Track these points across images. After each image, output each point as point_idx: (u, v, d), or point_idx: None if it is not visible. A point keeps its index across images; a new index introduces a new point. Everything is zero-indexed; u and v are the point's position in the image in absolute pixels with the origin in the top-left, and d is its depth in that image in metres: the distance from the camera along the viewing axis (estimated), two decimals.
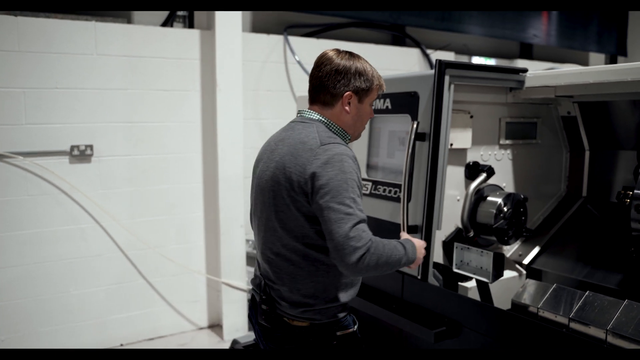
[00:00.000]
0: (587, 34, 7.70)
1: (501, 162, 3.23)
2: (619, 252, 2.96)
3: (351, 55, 1.98)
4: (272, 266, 1.93)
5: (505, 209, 2.95)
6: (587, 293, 2.57)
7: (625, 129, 3.26)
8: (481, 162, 3.07)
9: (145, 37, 4.50)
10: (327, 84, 1.95)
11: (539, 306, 2.62)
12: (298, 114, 2.06)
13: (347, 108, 1.96)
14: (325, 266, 1.88)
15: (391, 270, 1.84)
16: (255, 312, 2.10)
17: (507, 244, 3.00)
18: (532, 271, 3.18)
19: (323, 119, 1.97)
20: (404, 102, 2.92)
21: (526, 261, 3.24)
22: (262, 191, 1.95)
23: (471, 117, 2.97)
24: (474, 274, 2.63)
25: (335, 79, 1.93)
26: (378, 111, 3.15)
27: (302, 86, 5.26)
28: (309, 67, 5.71)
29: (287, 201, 1.84)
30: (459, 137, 2.86)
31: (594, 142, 3.32)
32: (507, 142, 3.12)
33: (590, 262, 3.07)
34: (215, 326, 5.06)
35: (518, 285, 3.09)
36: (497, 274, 2.55)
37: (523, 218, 3.05)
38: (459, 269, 2.71)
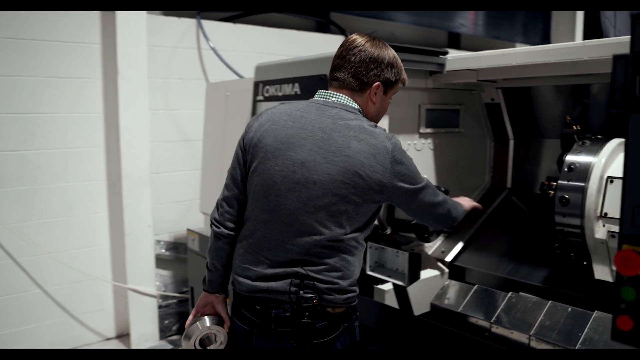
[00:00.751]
0: (514, 24, 7.67)
1: (421, 152, 2.99)
2: (543, 247, 2.79)
3: (384, 44, 1.94)
4: (322, 260, 1.85)
5: None
6: (509, 295, 2.36)
7: (549, 117, 3.13)
8: None
9: (38, 17, 4.00)
10: (359, 71, 1.89)
11: (459, 310, 2.39)
12: (326, 96, 1.95)
13: (373, 98, 1.93)
14: (363, 254, 1.99)
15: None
16: (268, 321, 1.90)
17: (428, 240, 2.75)
18: (454, 269, 2.96)
19: (359, 109, 1.94)
20: (313, 86, 2.61)
21: (449, 258, 3.02)
22: (312, 189, 1.83)
23: None
24: (389, 276, 2.37)
25: (369, 67, 1.88)
26: (288, 97, 2.84)
27: (217, 74, 4.88)
28: (225, 54, 5.39)
29: (363, 199, 1.82)
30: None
31: (518, 130, 3.25)
32: (428, 130, 2.89)
33: (515, 258, 2.89)
34: (124, 336, 4.63)
35: (440, 285, 2.86)
36: (413, 276, 2.29)
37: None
38: (373, 271, 2.44)
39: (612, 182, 2.07)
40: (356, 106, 1.91)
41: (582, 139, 2.25)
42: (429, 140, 3.03)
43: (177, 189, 4.89)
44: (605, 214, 2.06)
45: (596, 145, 2.19)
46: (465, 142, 3.18)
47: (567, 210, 2.15)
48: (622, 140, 2.22)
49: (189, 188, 4.92)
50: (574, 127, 2.30)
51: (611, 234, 2.06)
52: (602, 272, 2.17)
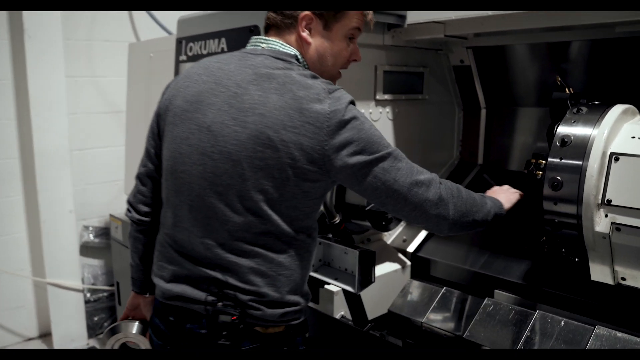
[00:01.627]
0: None
1: (378, 123, 2.52)
2: (524, 235, 2.35)
3: None
4: (243, 261, 1.42)
5: None
6: (485, 301, 1.90)
7: (526, 82, 2.71)
8: None
9: None
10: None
11: (423, 320, 1.92)
12: (256, 43, 1.52)
13: (306, 37, 1.47)
14: (308, 253, 1.51)
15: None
16: (178, 335, 1.48)
17: (386, 229, 2.28)
18: (418, 261, 2.52)
19: (297, 55, 1.48)
20: (243, 40, 2.07)
21: (411, 248, 2.57)
22: (219, 160, 1.38)
23: None
24: (336, 279, 1.89)
25: None
26: (213, 55, 2.29)
27: (151, 35, 4.26)
28: (159, 15, 4.86)
29: (286, 174, 1.36)
30: None
31: (491, 98, 2.87)
32: (386, 97, 2.43)
33: (489, 247, 2.47)
34: (48, 335, 4.07)
35: (401, 281, 2.40)
36: (365, 279, 1.81)
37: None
38: (316, 272, 1.95)
39: (617, 160, 1.61)
40: (292, 52, 1.47)
41: (576, 106, 1.78)
42: (387, 109, 2.54)
43: (106, 167, 4.31)
44: (609, 201, 1.61)
45: (595, 113, 1.72)
46: (430, 111, 2.76)
47: (560, 196, 1.69)
48: (628, 106, 1.76)
49: (121, 166, 4.33)
50: (567, 90, 1.83)
51: (616, 226, 1.61)
52: (602, 274, 1.73)
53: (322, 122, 1.30)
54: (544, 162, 1.75)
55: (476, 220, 1.58)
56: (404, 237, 2.68)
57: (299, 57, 1.45)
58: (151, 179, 1.59)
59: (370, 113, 2.48)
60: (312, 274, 1.97)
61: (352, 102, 1.37)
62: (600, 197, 1.63)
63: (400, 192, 1.40)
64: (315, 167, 1.34)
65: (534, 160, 1.78)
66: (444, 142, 2.92)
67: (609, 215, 1.63)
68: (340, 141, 1.32)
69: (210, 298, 1.39)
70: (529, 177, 1.79)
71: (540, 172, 1.75)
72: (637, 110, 1.82)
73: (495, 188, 1.86)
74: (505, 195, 1.81)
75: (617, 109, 1.72)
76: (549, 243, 1.82)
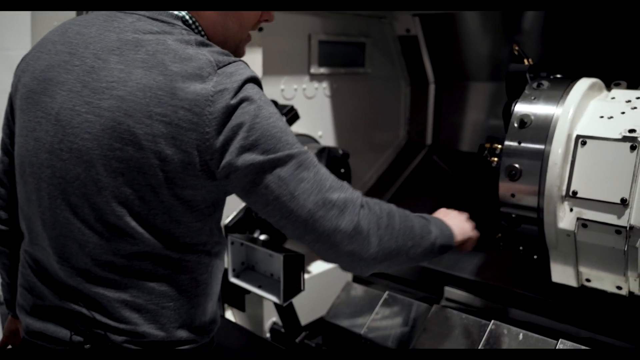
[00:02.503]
0: None
1: (314, 100, 2.23)
2: (474, 224, 2.13)
3: None
4: (112, 294, 1.07)
5: None
6: (433, 308, 1.65)
7: (478, 53, 2.49)
8: (281, 101, 2.01)
9: None
10: None
11: (362, 332, 1.66)
12: None
13: None
14: (208, 274, 1.16)
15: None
16: None
17: None
18: None
19: (185, 17, 1.09)
20: None
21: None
22: (69, 161, 1.03)
23: (260, 29, 1.86)
24: (259, 286, 1.59)
25: None
26: None
27: None
28: None
29: (156, 180, 1.00)
30: None
31: (440, 71, 2.65)
32: (322, 71, 2.14)
33: None
34: None
35: (342, 279, 2.14)
36: (293, 288, 1.53)
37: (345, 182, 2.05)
38: (237, 277, 1.65)
39: (584, 144, 1.36)
40: (180, 13, 1.09)
41: (536, 80, 1.51)
42: (324, 84, 2.25)
43: None
44: (574, 193, 1.36)
45: (558, 88, 1.47)
46: (373, 87, 2.56)
47: (518, 186, 1.43)
48: (595, 80, 1.51)
49: None
50: (525, 61, 1.56)
51: (582, 222, 1.36)
52: (564, 275, 1.50)
53: (203, 107, 0.95)
54: (499, 146, 1.48)
55: (412, 257, 1.19)
56: None
57: (188, 18, 1.08)
58: (10, 177, 1.24)
59: (304, 89, 2.18)
60: (233, 279, 1.67)
61: (252, 80, 1.02)
62: (564, 188, 1.38)
63: (299, 215, 1.01)
64: (194, 169, 0.99)
65: (488, 145, 1.52)
66: (389, 121, 2.72)
67: (574, 209, 1.38)
68: (227, 133, 0.97)
69: (77, 338, 1.06)
70: (482, 164, 1.52)
71: (496, 159, 1.49)
72: (603, 85, 1.57)
73: (448, 212, 1.46)
74: (459, 225, 1.40)
75: (583, 84, 1.46)
76: (504, 240, 1.57)
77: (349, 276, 2.17)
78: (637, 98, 1.45)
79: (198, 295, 1.14)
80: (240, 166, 0.98)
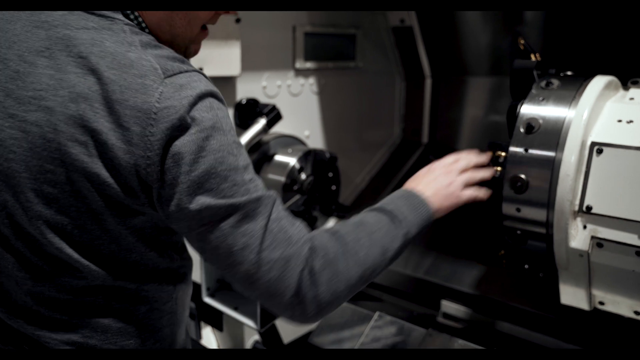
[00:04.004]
0: None
1: (300, 97, 2.06)
2: (473, 231, 1.99)
3: None
4: (60, 337, 0.91)
5: (301, 175, 1.79)
6: (427, 331, 1.48)
7: (478, 46, 2.31)
8: (263, 100, 1.84)
9: None
10: None
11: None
12: None
13: None
14: (172, 303, 1.00)
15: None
16: None
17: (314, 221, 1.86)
18: None
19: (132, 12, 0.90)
20: None
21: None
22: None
23: (238, 21, 1.68)
24: (236, 308, 1.43)
25: None
26: None
27: None
28: None
29: (97, 206, 0.84)
30: (219, 58, 1.67)
31: (437, 65, 2.47)
32: (309, 65, 1.97)
33: (434, 248, 2.08)
34: None
35: None
36: (270, 313, 1.36)
37: (333, 187, 1.91)
38: (212, 296, 1.49)
39: (600, 152, 1.20)
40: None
41: (544, 77, 1.34)
42: (311, 80, 2.07)
43: None
44: (589, 208, 1.20)
45: (569, 87, 1.30)
46: (364, 82, 2.40)
47: (524, 199, 1.27)
48: (611, 78, 1.34)
49: None
50: (532, 56, 1.39)
51: (597, 241, 1.20)
52: (575, 297, 1.34)
53: (144, 125, 0.78)
54: (503, 154, 1.31)
55: (386, 264, 1.02)
56: None
57: (130, 12, 0.89)
58: None
59: (289, 86, 2.00)
60: (207, 299, 1.50)
61: (207, 96, 0.84)
62: (577, 202, 1.22)
63: (237, 272, 0.88)
64: (136, 196, 0.83)
65: (491, 153, 1.34)
66: (382, 119, 2.55)
67: (589, 226, 1.22)
68: (168, 163, 0.80)
69: None
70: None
71: (499, 168, 1.31)
72: (620, 83, 1.40)
73: (430, 170, 1.20)
74: (442, 190, 1.16)
75: (598, 82, 1.29)
76: (508, 257, 1.40)
77: None
78: None
79: (163, 327, 0.98)
80: (176, 206, 0.82)
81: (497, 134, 2.30)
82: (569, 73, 1.41)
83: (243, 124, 1.76)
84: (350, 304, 1.85)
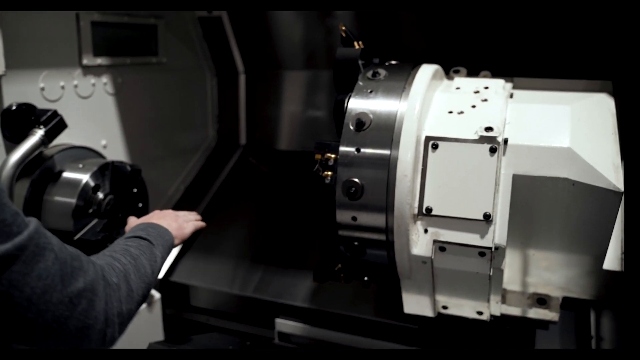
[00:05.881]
0: None
1: (92, 99, 1.75)
2: (304, 236, 1.85)
3: None
4: None
5: (98, 194, 1.47)
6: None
7: (292, 37, 2.18)
8: (42, 104, 1.49)
9: None
10: None
11: None
12: None
13: None
14: None
15: None
16: None
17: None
18: (171, 289, 1.83)
19: None
20: None
21: (160, 274, 1.84)
22: None
23: None
24: None
25: None
26: None
27: None
28: None
29: None
30: None
31: (251, 59, 2.30)
32: (100, 61, 1.68)
33: (262, 260, 1.91)
34: None
35: (150, 323, 1.71)
36: None
37: (140, 205, 1.62)
38: None
39: (435, 147, 1.09)
40: None
41: (370, 68, 1.21)
42: (104, 79, 1.75)
43: None
44: (429, 210, 1.08)
45: (397, 77, 1.18)
46: (170, 80, 2.12)
47: (360, 205, 1.11)
48: (436, 67, 1.25)
49: None
50: (356, 44, 1.24)
51: (439, 245, 1.09)
52: (418, 305, 1.24)
53: None
54: (333, 156, 1.14)
55: (152, 285, 1.06)
56: None
57: None
58: None
59: (76, 86, 1.65)
60: None
61: None
62: (416, 204, 1.10)
63: (40, 322, 0.75)
64: None
65: (319, 156, 1.17)
66: (194, 120, 2.32)
67: (430, 230, 1.11)
68: None
69: None
70: (315, 181, 1.18)
71: (330, 173, 1.15)
72: (443, 72, 1.33)
73: (164, 214, 1.35)
74: (177, 227, 1.30)
75: (425, 72, 1.19)
76: (346, 271, 1.25)
77: (157, 315, 1.73)
78: (486, 88, 1.22)
79: None
80: None
81: (319, 130, 2.20)
82: (393, 62, 1.30)
83: (14, 136, 1.38)
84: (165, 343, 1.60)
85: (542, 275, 1.28)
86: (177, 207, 2.12)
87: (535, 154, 1.08)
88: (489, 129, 1.07)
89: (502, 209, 1.07)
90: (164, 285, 1.87)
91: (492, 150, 1.06)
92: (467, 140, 1.07)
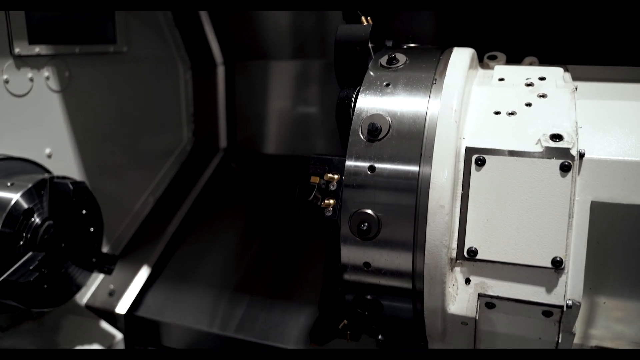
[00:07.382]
0: None
1: (29, 97, 1.45)
2: (292, 267, 1.57)
3: None
4: None
5: (34, 219, 1.16)
6: None
7: (276, 23, 1.90)
8: None
9: None
10: None
11: None
12: None
13: None
14: None
15: None
16: None
17: (45, 306, 1.25)
18: (138, 327, 1.55)
19: None
20: None
21: (123, 307, 1.55)
22: None
23: None
24: None
25: None
26: None
27: None
28: None
29: None
30: None
31: (230, 48, 2.02)
32: (39, 50, 1.41)
33: (248, 289, 1.63)
34: None
35: None
36: None
37: (92, 229, 1.29)
38: None
39: (481, 163, 0.77)
40: None
41: (385, 51, 0.89)
42: (46, 73, 1.45)
43: None
44: (472, 253, 0.76)
45: (424, 65, 0.86)
46: (134, 73, 1.81)
47: (374, 245, 0.80)
48: (471, 51, 0.93)
49: None
50: (363, 19, 0.92)
51: (486, 301, 0.77)
52: None
53: None
54: (336, 177, 0.82)
55: None
56: (111, 287, 1.63)
57: None
58: None
59: (6, 82, 1.32)
60: None
61: None
62: (454, 245, 0.78)
63: None
64: None
65: (316, 180, 0.84)
66: (164, 120, 2.00)
67: (473, 280, 0.79)
68: None
69: None
70: (311, 211, 0.85)
71: (332, 202, 0.82)
72: (476, 56, 1.01)
73: None
74: None
75: (462, 56, 0.87)
76: (353, 328, 0.93)
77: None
78: (541, 79, 0.90)
79: None
80: None
81: (312, 131, 1.89)
82: (412, 45, 0.98)
83: None
84: None
85: (612, 328, 0.97)
86: (144, 226, 1.79)
87: (622, 172, 0.76)
88: (556, 137, 0.75)
89: (576, 252, 0.76)
90: (128, 322, 1.56)
91: (564, 168, 0.74)
92: (526, 154, 0.76)
